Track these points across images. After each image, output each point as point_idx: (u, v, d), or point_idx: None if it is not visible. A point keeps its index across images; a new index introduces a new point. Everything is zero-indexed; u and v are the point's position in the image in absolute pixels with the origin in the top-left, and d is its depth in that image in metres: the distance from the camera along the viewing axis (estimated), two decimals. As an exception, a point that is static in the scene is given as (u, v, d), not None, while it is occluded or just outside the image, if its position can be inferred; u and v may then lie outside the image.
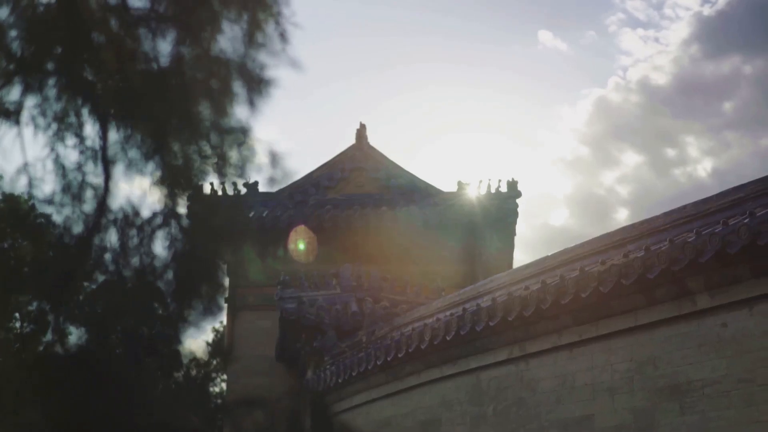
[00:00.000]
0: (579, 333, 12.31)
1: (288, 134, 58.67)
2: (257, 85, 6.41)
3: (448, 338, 14.32)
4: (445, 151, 66.03)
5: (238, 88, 6.45)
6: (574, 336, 12.39)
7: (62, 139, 6.63)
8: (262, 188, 26.89)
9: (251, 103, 6.51)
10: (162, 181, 6.70)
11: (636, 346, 11.56)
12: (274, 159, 6.79)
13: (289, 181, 29.01)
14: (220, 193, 20.41)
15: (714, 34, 62.67)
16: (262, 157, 6.89)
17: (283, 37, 6.41)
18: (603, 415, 11.85)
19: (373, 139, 30.38)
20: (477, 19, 68.27)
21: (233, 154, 6.72)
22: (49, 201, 6.71)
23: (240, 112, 6.59)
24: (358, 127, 30.31)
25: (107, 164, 6.54)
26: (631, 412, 11.47)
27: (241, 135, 6.68)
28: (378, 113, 64.41)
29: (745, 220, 10.20)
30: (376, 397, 16.95)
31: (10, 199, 22.20)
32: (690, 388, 10.75)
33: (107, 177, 6.59)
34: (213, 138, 6.58)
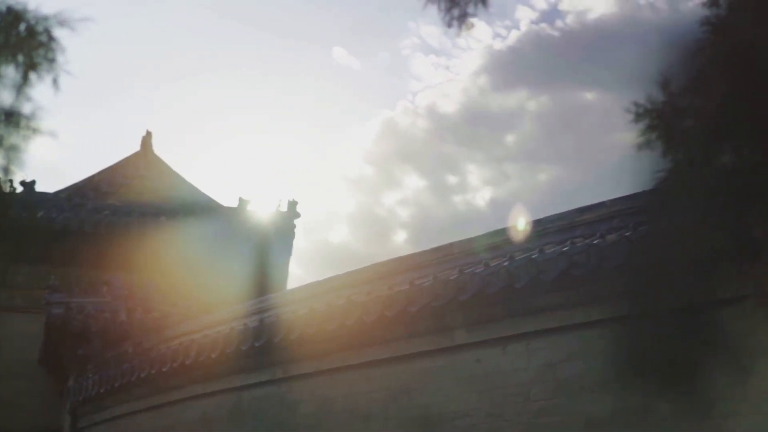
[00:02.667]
0: (341, 359, 12.54)
1: (71, 134, 57.18)
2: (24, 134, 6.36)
3: (213, 355, 14.31)
4: (230, 163, 65.61)
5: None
6: (336, 362, 12.60)
7: None
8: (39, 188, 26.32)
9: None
10: None
11: (393, 375, 11.87)
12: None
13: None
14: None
15: (503, 68, 64.56)
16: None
17: (56, 83, 6.38)
18: (357, 441, 12.12)
19: (160, 148, 30.07)
20: (272, 28, 68.18)
21: None
22: None
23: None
24: (144, 134, 29.97)
25: None
26: (383, 439, 11.78)
27: None
28: (167, 121, 63.44)
29: (505, 263, 10.67)
30: (138, 409, 16.73)
31: None
32: (441, 419, 11.11)
33: None
34: None
